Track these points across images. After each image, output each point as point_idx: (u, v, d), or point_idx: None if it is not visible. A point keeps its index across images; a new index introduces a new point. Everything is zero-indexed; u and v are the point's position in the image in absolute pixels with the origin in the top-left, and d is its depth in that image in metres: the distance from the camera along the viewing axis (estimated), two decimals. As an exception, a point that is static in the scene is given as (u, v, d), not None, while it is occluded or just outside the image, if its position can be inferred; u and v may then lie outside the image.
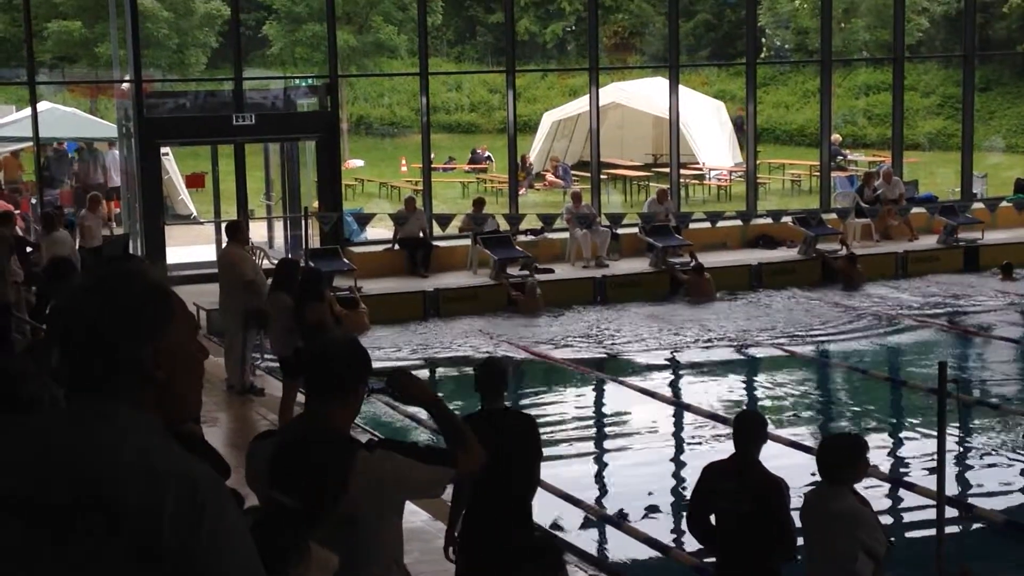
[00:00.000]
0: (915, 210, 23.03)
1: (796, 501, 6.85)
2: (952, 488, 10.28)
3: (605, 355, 16.51)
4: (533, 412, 14.25)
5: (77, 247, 17.32)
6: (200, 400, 2.49)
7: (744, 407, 13.54)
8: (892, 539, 6.76)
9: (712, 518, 6.80)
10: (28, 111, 21.27)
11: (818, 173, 25.75)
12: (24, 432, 2.31)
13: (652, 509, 10.73)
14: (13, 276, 14.43)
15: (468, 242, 20.58)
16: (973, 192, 25.03)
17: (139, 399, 2.30)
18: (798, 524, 6.59)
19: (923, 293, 20.07)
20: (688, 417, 13.54)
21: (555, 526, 9.82)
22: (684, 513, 7.54)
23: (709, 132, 32.19)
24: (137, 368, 2.30)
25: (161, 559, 2.15)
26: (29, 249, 16.53)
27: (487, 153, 34.88)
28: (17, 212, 19.80)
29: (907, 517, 10.43)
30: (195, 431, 6.94)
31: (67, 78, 36.99)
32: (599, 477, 12.15)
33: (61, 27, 36.14)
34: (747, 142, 24.84)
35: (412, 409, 11.58)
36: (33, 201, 22.09)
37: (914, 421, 13.43)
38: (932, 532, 7.33)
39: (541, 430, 13.27)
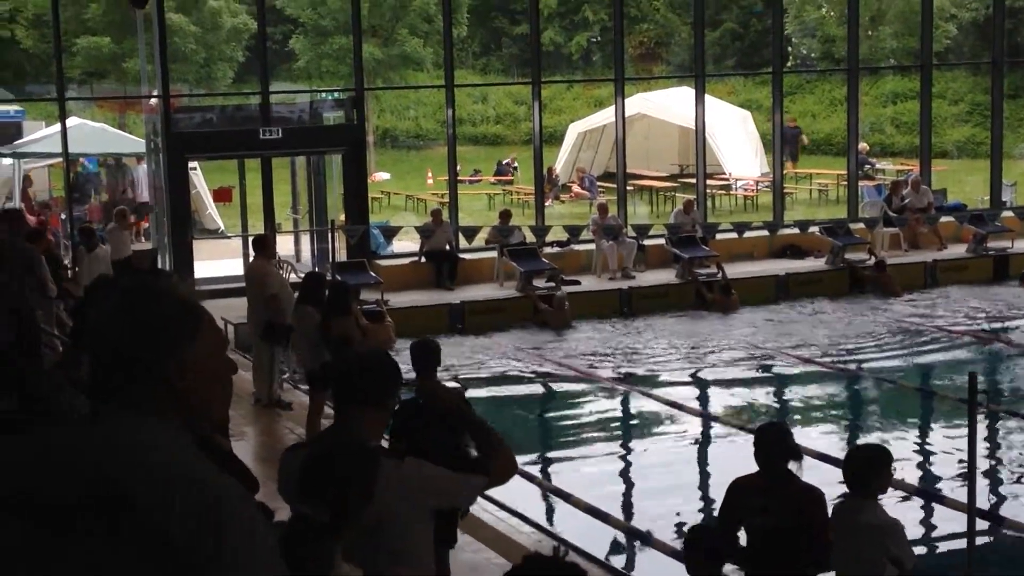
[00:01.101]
0: (944, 219, 22.91)
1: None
2: (983, 500, 10.20)
3: (631, 368, 16.47)
4: (560, 425, 14.29)
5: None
6: (227, 413, 2.51)
7: (773, 419, 13.47)
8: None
9: (741, 535, 6.73)
10: (58, 127, 21.41)
11: (845, 182, 25.65)
12: (50, 443, 2.32)
13: (680, 523, 10.67)
14: (47, 292, 14.51)
15: (494, 254, 20.59)
16: (1002, 200, 24.90)
17: (164, 411, 2.32)
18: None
19: (953, 303, 19.96)
20: (717, 429, 13.50)
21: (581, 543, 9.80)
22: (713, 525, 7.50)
23: (735, 142, 32.11)
24: (161, 382, 2.32)
25: (170, 560, 2.15)
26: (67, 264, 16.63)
27: (515, 164, 34.90)
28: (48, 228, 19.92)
29: (937, 529, 10.35)
30: (223, 445, 6.96)
31: (96, 94, 37.24)
32: (627, 491, 12.11)
33: (90, 43, 36.40)
34: (774, 152, 24.77)
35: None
36: (63, 217, 22.23)
37: (944, 433, 13.33)
38: (963, 544, 7.27)
39: (568, 443, 13.31)
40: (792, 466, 6.58)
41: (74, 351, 9.18)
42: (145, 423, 2.29)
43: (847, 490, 6.55)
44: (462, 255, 20.80)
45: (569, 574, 3.75)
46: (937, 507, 10.60)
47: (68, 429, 2.32)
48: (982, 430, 11.62)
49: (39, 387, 5.79)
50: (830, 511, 6.59)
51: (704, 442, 13.52)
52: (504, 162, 35.35)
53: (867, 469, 6.41)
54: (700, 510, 11.04)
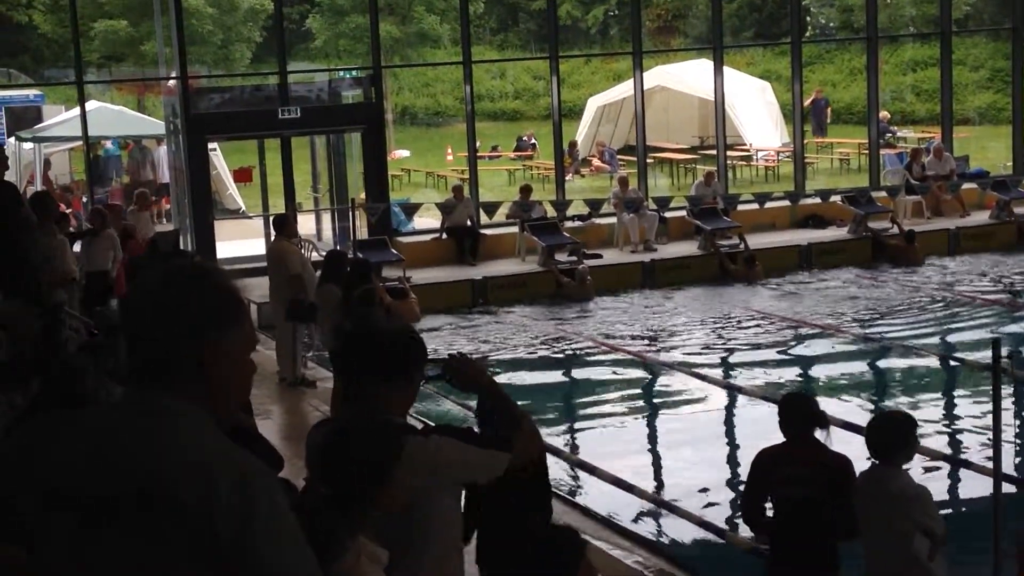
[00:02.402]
0: (966, 185, 22.79)
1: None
2: (1009, 465, 10.17)
3: (655, 340, 16.48)
4: (585, 398, 14.30)
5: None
6: (245, 398, 2.51)
7: (798, 389, 13.44)
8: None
9: (768, 505, 6.71)
10: (77, 110, 21.48)
11: (867, 151, 25.53)
12: (79, 427, 2.34)
13: (706, 493, 10.69)
14: (70, 274, 14.58)
15: (516, 229, 20.59)
16: (1025, 166, 24.75)
17: (193, 395, 2.32)
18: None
19: (976, 269, 19.89)
20: (741, 400, 13.49)
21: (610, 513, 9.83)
22: (739, 496, 7.50)
23: (755, 113, 31.97)
24: (197, 365, 2.33)
25: (214, 550, 2.17)
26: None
27: (532, 140, 34.85)
28: (69, 211, 20.03)
29: (964, 495, 10.34)
30: (248, 423, 7.00)
31: (114, 77, 37.32)
32: (653, 461, 12.13)
33: (107, 27, 36.47)
34: (794, 121, 24.67)
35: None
36: (84, 200, 22.33)
37: (969, 399, 13.29)
38: (989, 510, 7.26)
39: (593, 416, 13.32)
40: (820, 434, 6.55)
41: (101, 336, 9.23)
42: (176, 409, 2.29)
43: (873, 459, 6.54)
44: (483, 231, 20.80)
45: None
46: (964, 473, 10.58)
47: (118, 423, 2.31)
48: (1006, 395, 11.57)
49: (63, 372, 5.83)
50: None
51: (730, 413, 13.51)
52: (523, 137, 35.30)
53: (892, 437, 6.38)
54: (725, 479, 11.04)
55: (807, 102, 27.52)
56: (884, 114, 30.17)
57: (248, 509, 2.18)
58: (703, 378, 14.31)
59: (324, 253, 16.11)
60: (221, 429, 2.37)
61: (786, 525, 6.61)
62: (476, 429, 4.76)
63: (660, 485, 11.13)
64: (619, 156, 31.46)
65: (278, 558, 2.22)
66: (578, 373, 15.44)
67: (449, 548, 4.13)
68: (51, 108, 28.70)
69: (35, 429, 2.43)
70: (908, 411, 9.20)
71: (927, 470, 10.17)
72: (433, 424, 5.20)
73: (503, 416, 4.23)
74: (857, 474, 6.51)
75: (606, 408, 13.77)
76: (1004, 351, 7.56)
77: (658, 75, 31.97)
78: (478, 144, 23.78)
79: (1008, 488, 8.22)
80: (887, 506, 6.26)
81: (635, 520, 9.91)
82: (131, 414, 2.31)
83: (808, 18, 41.25)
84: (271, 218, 17.47)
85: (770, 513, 6.79)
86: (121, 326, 2.44)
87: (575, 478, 11.05)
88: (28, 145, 25.36)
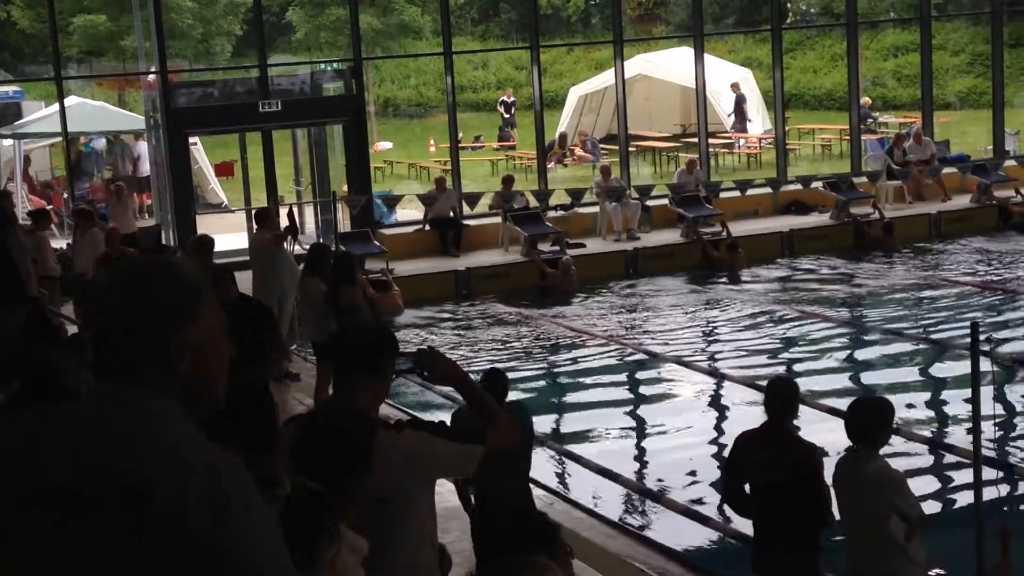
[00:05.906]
0: (947, 170, 22.85)
1: (831, 467, 6.81)
2: (990, 448, 10.22)
3: (639, 328, 16.50)
4: (570, 387, 14.31)
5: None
6: (222, 395, 2.50)
7: (779, 374, 13.48)
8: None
9: (747, 488, 6.77)
10: (57, 106, 21.39)
11: (848, 137, 25.58)
12: (50, 423, 2.33)
13: (691, 480, 10.72)
14: (51, 271, 14.58)
15: (498, 220, 20.58)
16: (1006, 149, 24.84)
17: (165, 389, 2.32)
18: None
19: (957, 253, 19.97)
20: (725, 387, 13.52)
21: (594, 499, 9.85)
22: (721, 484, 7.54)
23: (736, 100, 31.97)
24: (162, 359, 2.33)
25: (188, 545, 2.17)
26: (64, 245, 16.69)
27: (512, 98, 34.88)
28: (50, 207, 19.96)
29: (945, 479, 10.39)
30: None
31: (94, 72, 37.19)
32: (637, 450, 12.15)
33: (86, 21, 36.29)
34: (775, 108, 24.70)
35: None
36: (65, 196, 22.26)
37: (951, 382, 13.35)
38: (970, 493, 7.31)
39: (578, 405, 13.34)
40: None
41: (82, 331, 9.20)
42: (145, 402, 2.29)
43: (851, 443, 6.59)
44: (466, 222, 20.78)
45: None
46: (945, 456, 10.63)
47: (92, 418, 2.30)
48: (987, 378, 11.61)
49: (42, 367, 5.82)
50: (833, 464, 6.64)
51: (715, 400, 13.55)
52: (504, 99, 35.23)
53: (869, 422, 6.45)
54: (710, 467, 11.07)
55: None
56: (865, 100, 30.23)
57: (221, 504, 2.18)
58: (687, 365, 14.34)
59: (307, 246, 16.08)
60: (206, 417, 2.38)
61: (765, 509, 6.68)
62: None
63: (645, 474, 11.16)
64: (601, 145, 31.45)
65: (252, 553, 2.22)
66: (562, 363, 15.45)
67: (423, 540, 4.14)
68: (31, 104, 28.55)
69: (8, 425, 2.43)
70: (888, 396, 9.24)
71: (910, 446, 10.21)
72: (405, 419, 5.21)
73: (477, 409, 4.24)
74: (826, 463, 6.60)
75: (592, 397, 13.80)
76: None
77: (639, 64, 31.96)
78: (460, 135, 23.77)
79: (988, 471, 8.26)
80: (863, 489, 6.32)
81: (618, 508, 9.94)
82: (101, 409, 2.30)
83: (789, 4, 41.29)
84: (253, 212, 17.42)
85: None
86: (87, 324, 2.47)
87: (561, 467, 11.07)
88: (8, 142, 25.27)
